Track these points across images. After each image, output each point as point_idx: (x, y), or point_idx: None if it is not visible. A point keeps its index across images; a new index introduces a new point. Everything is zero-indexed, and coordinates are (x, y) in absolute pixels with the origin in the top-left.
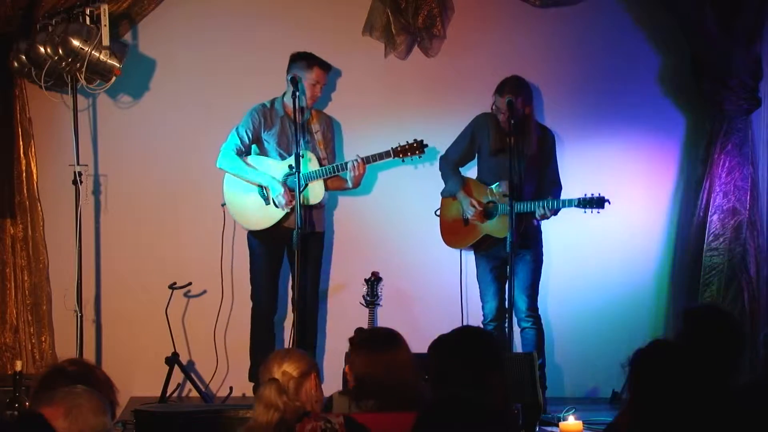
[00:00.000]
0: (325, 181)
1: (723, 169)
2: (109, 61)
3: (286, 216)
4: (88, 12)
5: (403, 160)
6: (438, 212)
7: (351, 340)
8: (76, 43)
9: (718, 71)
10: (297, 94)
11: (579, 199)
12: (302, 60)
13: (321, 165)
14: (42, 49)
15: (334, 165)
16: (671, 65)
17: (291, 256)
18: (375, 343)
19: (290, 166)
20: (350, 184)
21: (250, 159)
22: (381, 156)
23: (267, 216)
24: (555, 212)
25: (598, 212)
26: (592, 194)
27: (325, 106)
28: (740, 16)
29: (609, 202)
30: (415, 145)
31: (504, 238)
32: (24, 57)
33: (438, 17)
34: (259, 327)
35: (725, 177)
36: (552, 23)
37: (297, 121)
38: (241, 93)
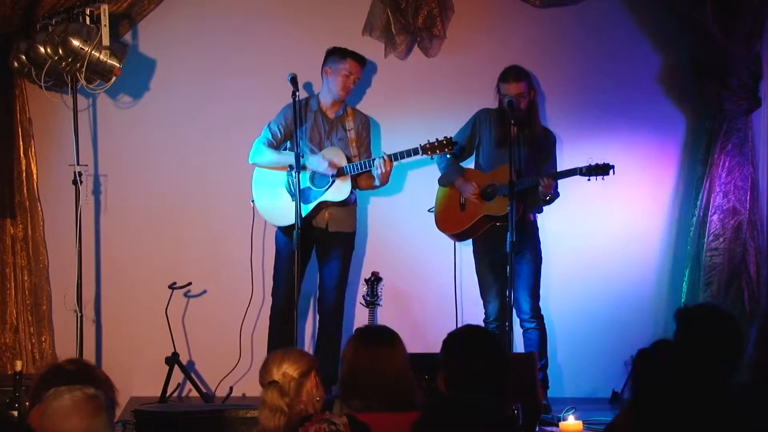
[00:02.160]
0: (354, 179)
1: (723, 169)
2: (109, 61)
3: (314, 213)
4: (88, 12)
5: (432, 158)
6: (432, 209)
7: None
8: (76, 43)
9: (718, 71)
10: (297, 93)
11: (583, 167)
12: (336, 53)
13: (349, 162)
14: (42, 49)
15: (359, 162)
16: (671, 65)
17: (319, 255)
18: (374, 339)
19: (290, 166)
20: (377, 182)
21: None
22: (409, 153)
23: (293, 213)
24: (555, 187)
25: (603, 179)
26: (597, 162)
27: None
28: (740, 16)
29: (614, 170)
30: (444, 142)
31: (504, 226)
32: (24, 57)
33: (438, 17)
34: (277, 325)
35: (725, 177)
36: (552, 23)
37: (297, 120)
38: (241, 93)
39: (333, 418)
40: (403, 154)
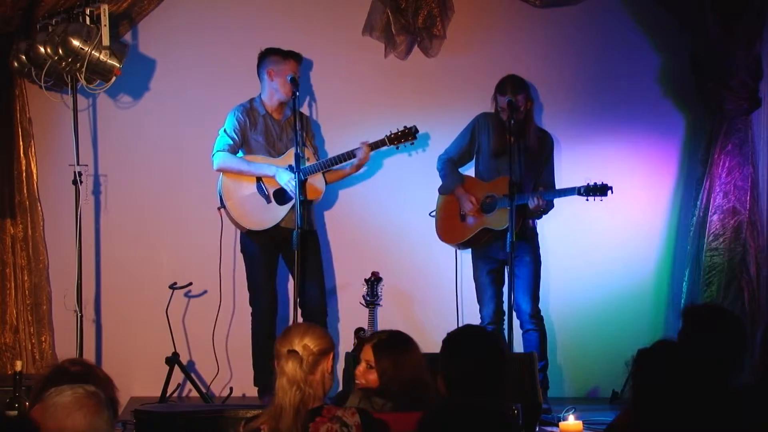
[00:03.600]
0: (323, 175)
1: (723, 169)
2: (109, 61)
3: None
4: (88, 12)
5: (397, 148)
6: (433, 213)
7: (371, 342)
8: (76, 43)
9: (718, 71)
10: (297, 94)
11: (581, 187)
12: (277, 54)
13: (316, 160)
14: (42, 49)
15: (339, 155)
16: (671, 65)
17: (287, 257)
18: (397, 345)
19: (290, 167)
20: (348, 169)
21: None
22: (377, 144)
23: (269, 215)
24: (548, 204)
25: (601, 200)
26: (595, 182)
27: (325, 105)
28: (741, 16)
29: (612, 191)
30: (406, 131)
31: (503, 231)
32: (24, 57)
33: (438, 17)
34: (262, 332)
35: (725, 177)
36: (552, 23)
37: (297, 122)
38: (241, 93)
39: (345, 418)
40: (377, 144)
